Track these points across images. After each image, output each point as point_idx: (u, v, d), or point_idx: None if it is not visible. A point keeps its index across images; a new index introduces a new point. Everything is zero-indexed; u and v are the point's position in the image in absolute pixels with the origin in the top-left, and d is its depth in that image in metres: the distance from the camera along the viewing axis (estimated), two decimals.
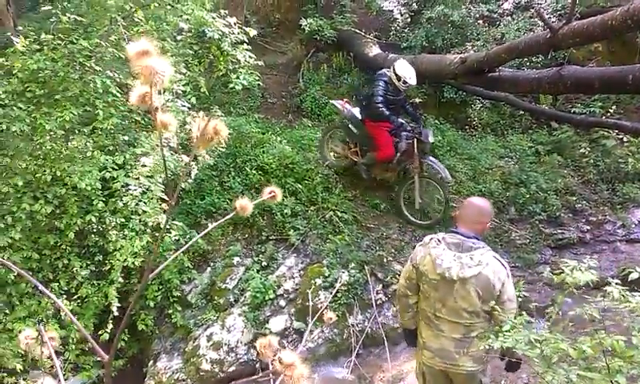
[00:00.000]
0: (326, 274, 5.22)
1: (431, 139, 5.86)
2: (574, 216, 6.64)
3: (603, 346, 1.96)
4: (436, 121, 7.66)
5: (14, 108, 4.40)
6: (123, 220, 4.59)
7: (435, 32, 8.22)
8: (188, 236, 5.05)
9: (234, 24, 5.87)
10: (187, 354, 4.82)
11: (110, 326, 4.35)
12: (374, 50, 8.23)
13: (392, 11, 9.72)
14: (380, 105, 5.64)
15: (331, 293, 5.03)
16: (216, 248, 5.57)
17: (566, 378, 1.99)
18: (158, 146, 4.68)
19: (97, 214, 4.55)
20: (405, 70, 5.72)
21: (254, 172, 6.17)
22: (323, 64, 8.63)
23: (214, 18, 5.66)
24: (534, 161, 7.20)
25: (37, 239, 4.57)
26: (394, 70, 5.72)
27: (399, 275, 3.27)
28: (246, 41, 5.92)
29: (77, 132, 4.67)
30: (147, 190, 4.66)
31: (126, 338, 4.81)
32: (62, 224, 4.51)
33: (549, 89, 5.67)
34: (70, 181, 4.42)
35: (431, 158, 6.00)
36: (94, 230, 4.66)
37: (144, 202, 4.61)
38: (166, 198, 4.65)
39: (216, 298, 5.15)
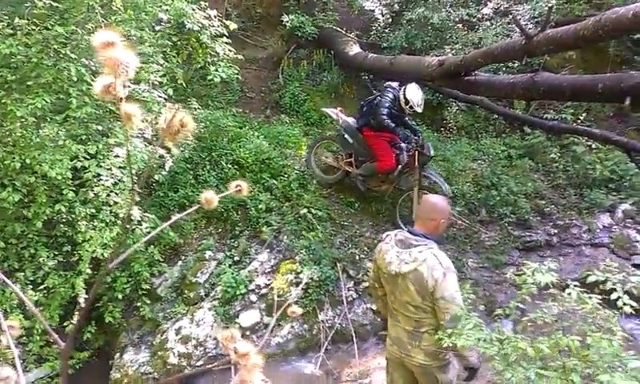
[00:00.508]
0: (298, 271, 5.25)
1: (432, 152, 5.88)
2: (542, 219, 6.81)
3: (560, 345, 2.03)
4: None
5: None
6: (94, 211, 4.51)
7: (415, 34, 8.28)
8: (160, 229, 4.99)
9: (215, 16, 5.81)
10: (155, 347, 4.78)
11: (76, 317, 4.28)
12: (355, 49, 8.26)
13: (373, 11, 9.76)
14: (385, 117, 5.64)
15: (303, 289, 5.06)
16: (188, 242, 5.54)
17: (524, 376, 2.06)
18: (131, 136, 4.61)
19: (66, 204, 4.45)
20: (415, 96, 5.64)
21: (230, 166, 6.14)
22: (303, 61, 8.61)
23: (193, 10, 5.60)
24: (505, 164, 7.34)
25: (3, 227, 4.45)
26: (404, 92, 5.67)
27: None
28: (226, 34, 5.87)
29: (49, 120, 4.55)
30: (119, 181, 4.60)
31: (93, 330, 4.74)
32: (29, 213, 4.41)
33: (522, 94, 5.75)
34: (39, 169, 4.31)
35: (431, 170, 6.04)
36: (63, 220, 4.57)
37: (115, 193, 4.55)
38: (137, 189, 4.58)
39: (186, 291, 5.11)
